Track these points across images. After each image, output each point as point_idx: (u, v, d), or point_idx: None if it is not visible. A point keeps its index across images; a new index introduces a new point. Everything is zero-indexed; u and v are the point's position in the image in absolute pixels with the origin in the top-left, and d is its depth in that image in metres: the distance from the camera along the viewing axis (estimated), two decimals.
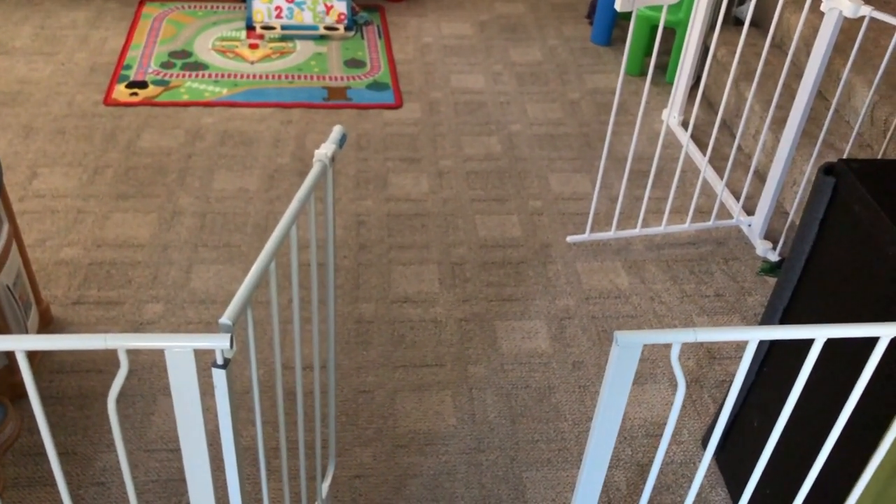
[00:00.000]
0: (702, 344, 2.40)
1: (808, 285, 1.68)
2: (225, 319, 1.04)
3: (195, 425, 1.09)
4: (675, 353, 1.10)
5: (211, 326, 2.35)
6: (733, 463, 1.99)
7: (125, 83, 3.40)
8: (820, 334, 1.10)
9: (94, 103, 3.27)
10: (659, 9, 3.60)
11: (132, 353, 2.20)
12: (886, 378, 1.41)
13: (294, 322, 1.39)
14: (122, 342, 1.00)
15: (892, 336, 1.12)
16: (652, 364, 2.33)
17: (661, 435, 2.15)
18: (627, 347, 1.07)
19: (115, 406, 1.06)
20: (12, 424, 1.99)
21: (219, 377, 1.05)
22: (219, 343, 1.01)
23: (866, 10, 2.23)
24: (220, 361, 1.04)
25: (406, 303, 2.48)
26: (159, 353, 2.24)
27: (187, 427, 1.09)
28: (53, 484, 1.92)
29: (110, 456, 1.99)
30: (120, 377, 1.03)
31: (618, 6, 2.23)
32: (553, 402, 2.21)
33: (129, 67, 3.50)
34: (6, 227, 2.04)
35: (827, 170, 1.57)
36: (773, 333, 1.10)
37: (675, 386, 2.27)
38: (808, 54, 3.08)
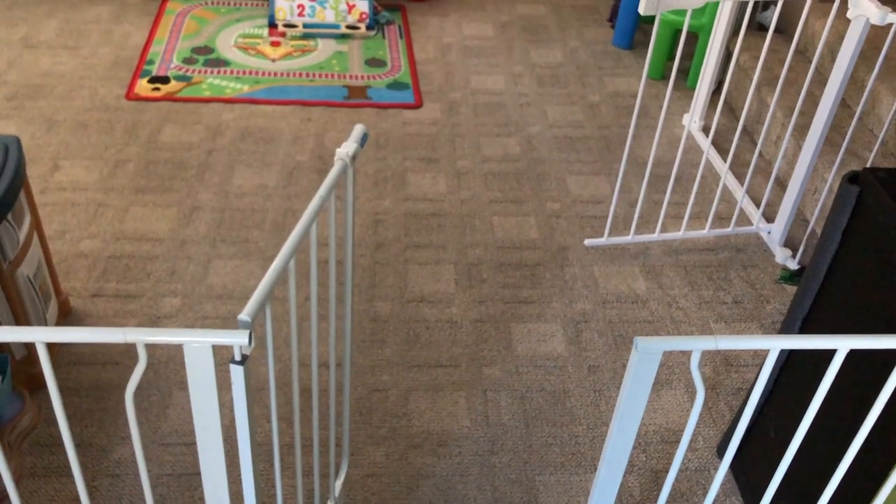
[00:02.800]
0: (719, 351, 2.38)
1: (829, 295, 1.66)
2: (244, 316, 1.04)
3: (211, 420, 1.09)
4: (695, 361, 1.09)
5: (228, 321, 2.36)
6: (749, 472, 1.97)
7: (147, 78, 3.42)
8: (843, 345, 1.09)
9: (117, 97, 3.29)
10: (682, 13, 3.58)
11: (149, 347, 2.21)
12: None
13: (312, 319, 1.39)
14: (141, 336, 1.01)
15: None
16: (668, 370, 2.32)
17: (676, 441, 2.14)
18: (647, 353, 1.07)
19: (133, 400, 1.07)
20: (30, 415, 2.01)
21: (236, 373, 1.05)
22: (237, 340, 1.01)
23: (893, 18, 2.20)
24: (237, 357, 1.04)
25: (422, 302, 2.47)
26: (176, 348, 2.25)
27: (203, 421, 1.09)
28: (68, 474, 1.94)
29: (125, 448, 2.00)
30: (138, 371, 1.04)
31: (642, 9, 2.22)
32: (568, 406, 2.20)
33: (151, 62, 3.52)
34: (28, 218, 2.06)
35: (851, 178, 1.55)
36: (795, 343, 1.09)
37: (691, 392, 2.26)
38: (832, 61, 3.05)
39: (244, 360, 1.04)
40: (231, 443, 1.91)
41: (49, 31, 3.71)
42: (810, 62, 2.55)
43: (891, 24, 2.22)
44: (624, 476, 2.04)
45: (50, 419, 2.05)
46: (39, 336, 1.00)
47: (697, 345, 1.06)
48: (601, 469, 1.23)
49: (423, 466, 2.02)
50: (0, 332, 1.02)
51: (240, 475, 1.22)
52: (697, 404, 1.13)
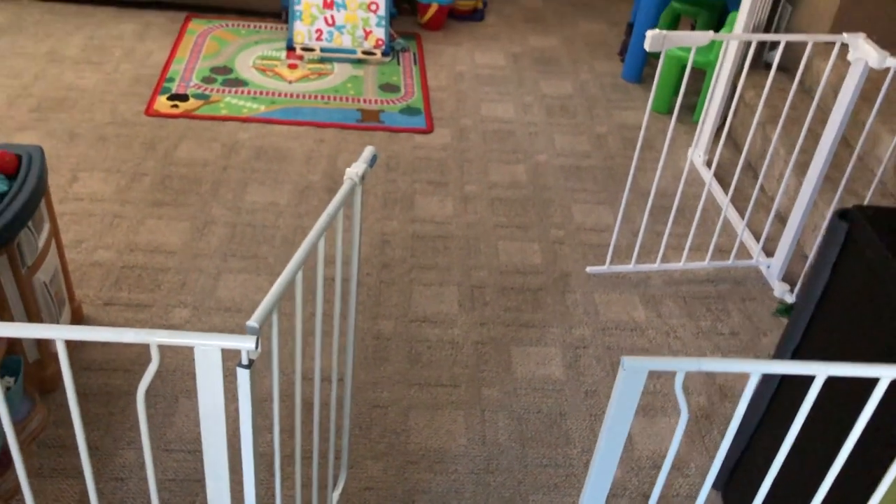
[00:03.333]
0: (714, 381, 2.43)
1: (818, 327, 1.71)
2: (252, 322, 1.10)
3: (217, 421, 1.15)
4: (679, 381, 1.14)
5: (236, 333, 2.41)
6: (741, 501, 2.00)
7: (167, 95, 3.51)
8: (821, 371, 1.14)
9: (136, 113, 3.39)
10: (689, 49, 3.66)
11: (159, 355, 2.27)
12: (889, 418, 1.44)
13: (316, 334, 1.45)
14: (154, 338, 1.07)
15: (892, 378, 1.15)
16: (663, 398, 2.36)
17: (671, 467, 2.17)
18: (633, 372, 1.12)
19: (144, 398, 1.13)
20: (39, 417, 2.07)
21: (243, 376, 1.11)
22: (245, 344, 1.07)
23: (892, 62, 2.27)
24: (244, 362, 1.10)
25: (425, 322, 2.53)
26: (183, 357, 2.31)
27: (209, 422, 1.15)
28: (74, 476, 1.99)
29: (130, 453, 2.05)
30: (150, 371, 1.10)
31: (647, 46, 2.29)
32: (564, 429, 2.24)
33: (171, 80, 3.62)
34: (47, 226, 2.13)
35: (841, 214, 1.61)
36: (774, 367, 1.14)
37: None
38: (834, 100, 3.12)
39: (251, 365, 1.10)
40: (234, 452, 1.96)
41: (74, 47, 3.82)
42: (813, 101, 2.63)
43: (889, 68, 2.29)
44: (616, 499, 2.08)
45: (58, 421, 2.11)
46: (58, 333, 1.07)
47: (681, 366, 1.11)
48: (588, 484, 1.27)
49: (419, 482, 2.07)
50: (21, 329, 1.09)
51: (241, 483, 1.27)
52: (681, 424, 1.18)
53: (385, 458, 2.12)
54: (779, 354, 1.82)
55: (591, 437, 2.23)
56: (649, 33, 2.25)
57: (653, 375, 2.43)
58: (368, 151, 1.48)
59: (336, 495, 1.96)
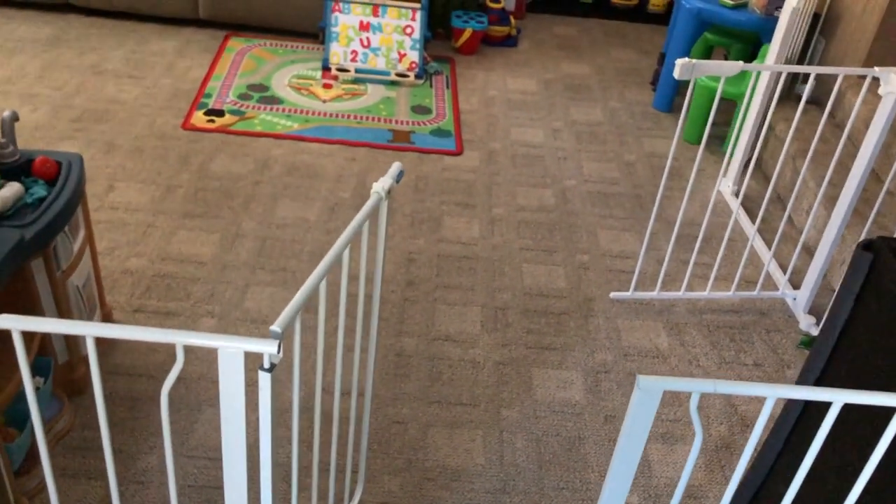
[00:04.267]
0: (736, 411, 2.41)
1: (840, 358, 1.70)
2: (275, 327, 1.13)
3: (238, 423, 1.17)
4: (693, 403, 1.15)
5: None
6: None
7: (204, 110, 3.59)
8: (837, 398, 1.14)
9: (173, 127, 3.47)
10: (719, 79, 3.66)
11: (184, 364, 2.31)
12: None
13: (337, 347, 1.47)
14: (179, 338, 1.10)
15: None
16: (683, 426, 2.35)
17: (688, 496, 2.16)
18: (648, 392, 1.13)
19: (167, 397, 1.16)
20: (66, 418, 2.11)
21: (264, 380, 1.14)
22: (267, 348, 1.10)
23: None
24: (266, 365, 1.13)
25: (447, 341, 2.55)
26: (208, 366, 2.34)
27: (230, 426, 1.18)
28: (96, 478, 2.03)
29: (152, 457, 2.09)
30: (175, 370, 1.13)
31: (676, 74, 2.31)
32: (582, 453, 2.24)
33: (208, 96, 3.71)
34: (83, 232, 2.19)
35: (865, 246, 1.61)
36: (790, 392, 1.14)
37: (703, 447, 2.28)
38: (865, 133, 3.11)
39: (272, 368, 1.13)
40: (253, 462, 1.99)
41: (116, 61, 3.92)
42: (843, 134, 2.63)
43: None
44: None
45: (84, 424, 2.15)
46: (87, 330, 1.10)
47: (696, 387, 1.12)
48: (602, 500, 1.28)
49: (435, 499, 2.07)
50: (55, 324, 1.13)
51: (257, 491, 1.30)
52: (696, 445, 1.18)
53: (402, 473, 2.13)
54: (800, 384, 1.81)
55: (609, 461, 2.22)
56: (679, 61, 2.27)
57: (674, 403, 2.42)
58: (395, 167, 1.51)
59: None
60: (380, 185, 1.45)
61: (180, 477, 2.05)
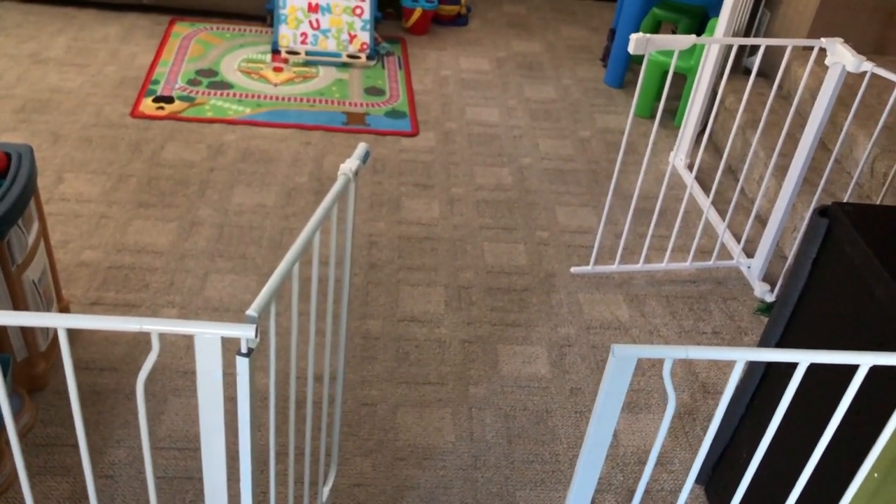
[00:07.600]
0: (697, 378, 2.47)
1: (799, 323, 1.76)
2: (251, 312, 1.12)
3: (216, 411, 1.16)
4: (667, 368, 1.18)
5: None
6: (724, 496, 2.04)
7: (152, 97, 3.52)
8: (803, 358, 1.18)
9: (122, 115, 3.39)
10: (671, 54, 3.72)
11: (146, 355, 2.28)
12: (867, 406, 1.48)
13: (310, 331, 1.47)
14: (155, 326, 1.09)
15: (871, 364, 1.19)
16: (647, 395, 2.40)
17: (656, 462, 2.21)
18: (623, 359, 1.15)
19: (144, 387, 1.14)
20: (28, 415, 2.07)
21: (242, 365, 1.13)
22: (244, 332, 1.09)
23: (868, 66, 2.33)
24: (244, 350, 1.12)
25: (412, 322, 2.55)
26: (172, 355, 2.31)
27: (208, 412, 1.17)
28: (62, 474, 1.99)
29: (119, 451, 2.06)
30: (150, 359, 1.11)
31: (631, 49, 2.34)
32: (550, 426, 2.28)
33: (156, 82, 3.63)
34: (36, 225, 2.13)
35: (821, 212, 1.66)
36: (759, 355, 1.18)
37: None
38: (812, 104, 3.19)
39: (250, 353, 1.12)
40: (229, 448, 1.97)
41: (57, 48, 3.81)
42: (792, 105, 2.70)
43: (865, 72, 2.35)
44: (601, 494, 2.11)
45: (46, 420, 2.11)
46: (60, 322, 1.08)
47: (669, 353, 1.15)
48: (577, 475, 1.30)
49: (408, 478, 2.09)
50: (24, 318, 1.10)
51: (237, 478, 1.29)
52: (669, 410, 1.21)
53: (374, 454, 2.14)
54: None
55: (577, 433, 2.26)
56: (633, 36, 2.30)
57: (637, 372, 2.47)
58: (361, 148, 1.50)
59: (326, 491, 1.97)
60: (347, 167, 1.45)
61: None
